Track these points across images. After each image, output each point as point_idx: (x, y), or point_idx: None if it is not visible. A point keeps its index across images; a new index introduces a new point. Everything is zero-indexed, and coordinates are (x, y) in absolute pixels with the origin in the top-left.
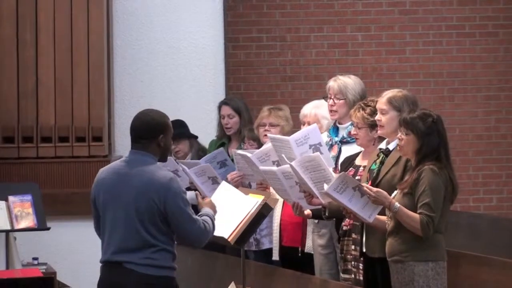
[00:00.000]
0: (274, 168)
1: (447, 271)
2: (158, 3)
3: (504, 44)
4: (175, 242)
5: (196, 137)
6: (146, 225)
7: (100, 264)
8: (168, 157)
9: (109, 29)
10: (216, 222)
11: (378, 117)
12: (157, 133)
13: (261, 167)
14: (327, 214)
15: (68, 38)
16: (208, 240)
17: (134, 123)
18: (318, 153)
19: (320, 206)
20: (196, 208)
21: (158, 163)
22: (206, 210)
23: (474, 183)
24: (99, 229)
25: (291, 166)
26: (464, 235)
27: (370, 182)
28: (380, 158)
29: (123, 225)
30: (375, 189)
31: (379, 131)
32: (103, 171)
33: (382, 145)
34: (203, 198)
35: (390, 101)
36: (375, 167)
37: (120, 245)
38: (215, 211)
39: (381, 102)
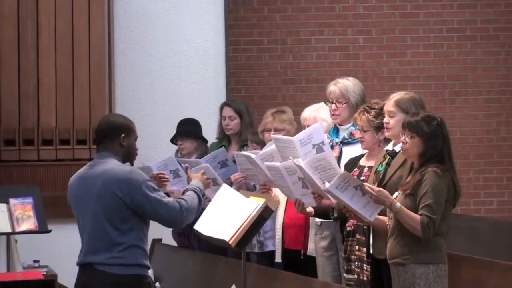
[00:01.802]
0: (277, 163)
1: (448, 274)
2: (159, 6)
3: (505, 47)
4: (146, 238)
5: (206, 140)
6: (114, 222)
7: None
8: (170, 157)
9: (110, 32)
10: (215, 224)
11: (386, 119)
12: (118, 132)
13: (265, 163)
14: (335, 215)
15: (69, 41)
16: (193, 215)
17: (98, 124)
18: (327, 152)
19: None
20: None
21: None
22: (192, 182)
23: (475, 186)
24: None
25: (299, 167)
26: (464, 238)
27: (376, 184)
28: (387, 159)
29: (90, 226)
30: (376, 188)
31: (386, 133)
32: (72, 177)
33: (389, 147)
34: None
35: (397, 104)
36: (381, 168)
37: (90, 246)
38: (206, 185)
39: (389, 105)
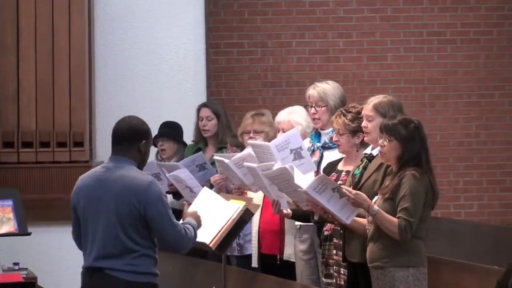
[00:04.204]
0: (254, 165)
1: (428, 277)
2: (140, 8)
3: (485, 50)
4: (157, 247)
5: (186, 144)
6: (128, 230)
7: (82, 270)
8: (152, 161)
9: (91, 34)
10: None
11: (364, 123)
12: (140, 137)
13: (245, 163)
14: (316, 218)
15: (49, 43)
16: (190, 248)
17: (118, 125)
18: (285, 166)
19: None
20: (178, 214)
21: None
22: (189, 219)
23: (455, 189)
24: (76, 236)
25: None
26: (445, 241)
27: (352, 187)
28: (363, 163)
29: (104, 231)
30: (354, 191)
31: (365, 138)
32: (82, 177)
33: (367, 151)
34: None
35: (376, 108)
36: (358, 172)
37: (101, 251)
38: (199, 224)
39: (367, 109)
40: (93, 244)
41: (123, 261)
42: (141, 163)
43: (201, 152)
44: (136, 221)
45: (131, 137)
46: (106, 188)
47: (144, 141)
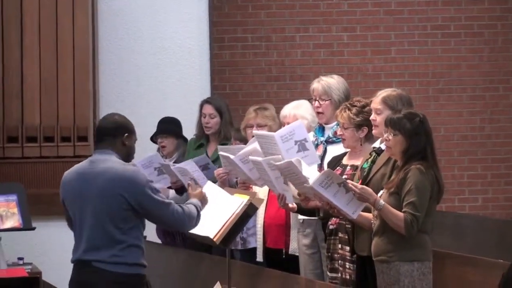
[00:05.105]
0: (260, 158)
1: (433, 271)
2: (143, 3)
3: (489, 44)
4: (144, 237)
5: (186, 140)
6: (114, 222)
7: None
8: (156, 153)
9: (94, 29)
10: (202, 220)
11: (372, 116)
12: (121, 131)
13: (250, 157)
14: (321, 214)
15: (53, 38)
16: (194, 225)
17: (100, 122)
18: (291, 160)
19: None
20: None
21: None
22: (192, 200)
23: (459, 183)
24: (71, 227)
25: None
26: (449, 235)
27: (360, 181)
28: (372, 157)
29: (90, 223)
30: (360, 185)
31: (373, 131)
32: (68, 172)
33: (376, 144)
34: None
35: (384, 101)
36: (366, 165)
37: (88, 243)
38: (205, 202)
39: (376, 102)
40: (81, 237)
41: (110, 252)
42: (126, 157)
43: (204, 155)
44: (124, 211)
45: (114, 131)
46: (90, 182)
47: (126, 134)
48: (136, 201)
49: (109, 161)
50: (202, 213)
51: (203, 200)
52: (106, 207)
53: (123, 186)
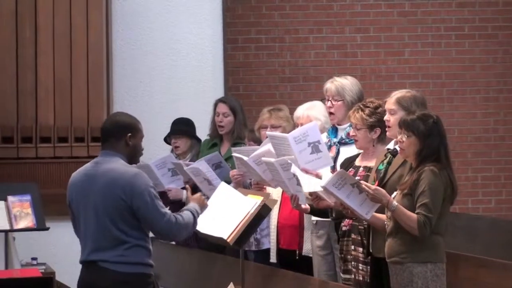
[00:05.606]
0: (272, 159)
1: (446, 272)
2: (157, 4)
3: (503, 45)
4: (149, 238)
5: (200, 140)
6: (117, 222)
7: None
8: (169, 154)
9: (108, 30)
10: (213, 222)
11: (386, 117)
12: (124, 131)
13: (263, 158)
14: (334, 215)
15: (67, 38)
16: (185, 235)
17: (103, 124)
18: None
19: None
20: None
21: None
22: (190, 204)
23: (473, 184)
24: (76, 230)
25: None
26: (463, 236)
27: (377, 182)
28: (388, 158)
29: (94, 224)
30: (373, 186)
31: (387, 132)
32: (74, 174)
33: (390, 145)
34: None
35: (399, 102)
36: (382, 167)
37: (94, 244)
38: (203, 206)
39: (390, 103)
40: (86, 238)
41: (115, 252)
42: (132, 157)
43: (217, 152)
44: (125, 213)
45: (116, 132)
46: (93, 183)
47: (129, 134)
48: (133, 204)
49: (112, 163)
50: (215, 213)
51: (202, 205)
52: (107, 208)
53: (122, 187)
